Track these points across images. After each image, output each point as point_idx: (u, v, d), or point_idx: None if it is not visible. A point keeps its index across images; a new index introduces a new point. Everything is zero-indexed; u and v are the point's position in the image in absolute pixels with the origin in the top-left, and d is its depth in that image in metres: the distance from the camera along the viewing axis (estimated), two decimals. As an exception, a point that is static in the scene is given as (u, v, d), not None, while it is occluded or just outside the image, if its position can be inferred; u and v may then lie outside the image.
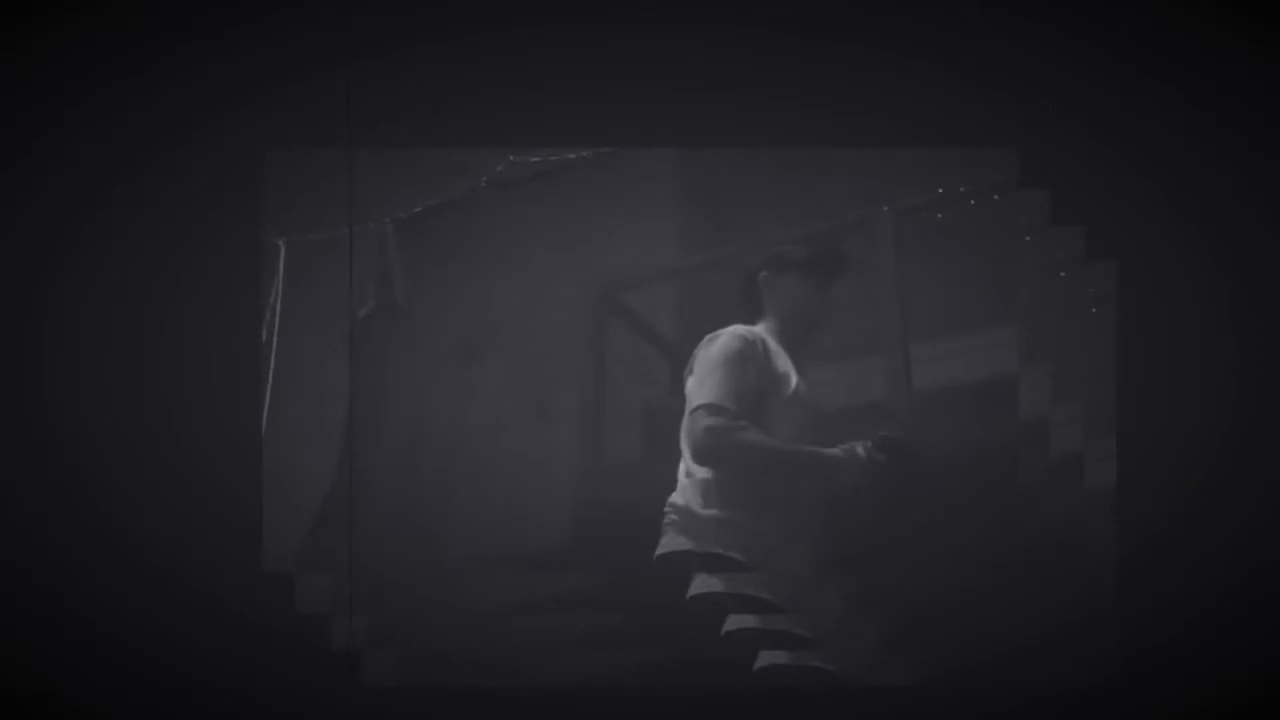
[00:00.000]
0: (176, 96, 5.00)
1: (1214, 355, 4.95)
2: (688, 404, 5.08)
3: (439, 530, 5.16)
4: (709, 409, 5.03)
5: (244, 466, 5.01)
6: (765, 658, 4.98)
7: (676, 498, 5.08)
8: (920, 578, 4.99)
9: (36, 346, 4.96)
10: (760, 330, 5.19)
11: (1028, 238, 5.03)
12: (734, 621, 4.99)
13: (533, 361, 5.24)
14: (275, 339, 5.15)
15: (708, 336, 5.15)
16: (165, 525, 4.97)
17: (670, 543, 5.05)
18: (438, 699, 5.00)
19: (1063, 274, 5.02)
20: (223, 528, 4.99)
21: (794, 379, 5.13)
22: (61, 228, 4.98)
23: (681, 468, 5.10)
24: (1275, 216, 4.96)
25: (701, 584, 5.02)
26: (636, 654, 5.01)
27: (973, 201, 5.10)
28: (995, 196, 5.07)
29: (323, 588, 5.03)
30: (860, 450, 5.05)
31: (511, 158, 5.16)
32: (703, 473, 5.05)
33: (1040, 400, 5.01)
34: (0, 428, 4.96)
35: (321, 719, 4.96)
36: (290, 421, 5.10)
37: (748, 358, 5.10)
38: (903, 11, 5.00)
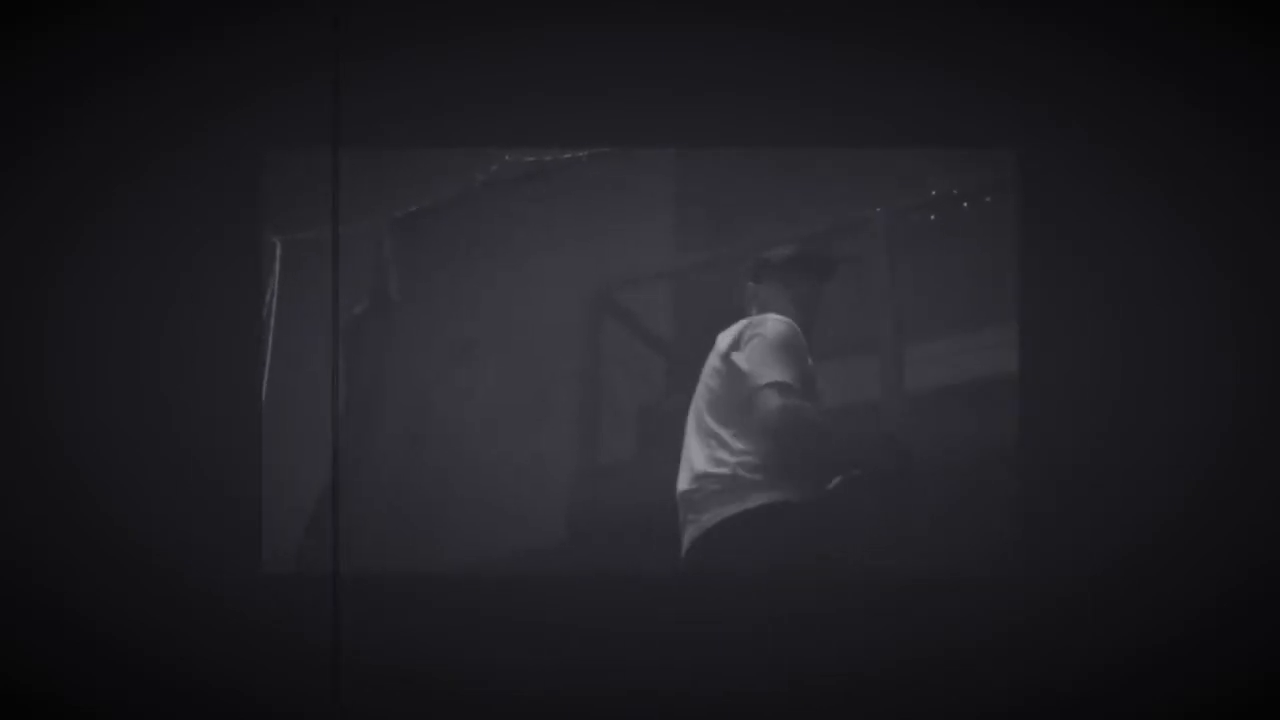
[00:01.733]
0: (176, 97, 5.00)
1: (1214, 355, 4.96)
2: (749, 379, 5.04)
3: (435, 527, 5.16)
4: (780, 388, 5.00)
5: (243, 466, 5.01)
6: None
7: (712, 469, 5.06)
8: (919, 572, 5.02)
9: (36, 346, 4.96)
10: None
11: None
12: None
13: (529, 361, 5.25)
14: (271, 338, 5.15)
15: (754, 318, 5.13)
16: (165, 526, 4.97)
17: (720, 511, 5.04)
18: (437, 698, 5.01)
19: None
20: (223, 528, 4.99)
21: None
22: (61, 228, 4.98)
23: (703, 453, 5.08)
24: (1275, 216, 4.97)
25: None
26: (634, 652, 5.02)
27: (965, 204, 5.11)
28: (987, 199, 5.08)
29: (320, 586, 5.03)
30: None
31: (507, 157, 5.17)
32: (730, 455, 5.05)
33: (1039, 400, 5.03)
34: (0, 428, 4.96)
35: (321, 719, 4.96)
36: (289, 420, 5.10)
37: (799, 345, 5.10)
38: (903, 11, 5.01)
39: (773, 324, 5.12)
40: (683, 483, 5.10)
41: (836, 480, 5.05)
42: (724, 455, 5.06)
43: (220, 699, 4.96)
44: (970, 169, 5.11)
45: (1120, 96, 4.99)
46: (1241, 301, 4.97)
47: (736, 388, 5.05)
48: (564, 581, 5.04)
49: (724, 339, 5.14)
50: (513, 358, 5.26)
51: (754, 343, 5.08)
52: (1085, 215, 5.00)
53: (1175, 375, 4.97)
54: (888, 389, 5.22)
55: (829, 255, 5.23)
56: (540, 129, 5.07)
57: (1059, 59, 4.99)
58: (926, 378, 5.18)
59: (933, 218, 5.16)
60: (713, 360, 5.15)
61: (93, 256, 4.98)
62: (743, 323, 5.13)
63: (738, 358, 5.08)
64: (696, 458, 5.10)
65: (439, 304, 5.29)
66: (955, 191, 5.13)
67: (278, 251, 5.17)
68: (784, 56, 5.03)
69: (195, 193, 5.01)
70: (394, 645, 5.00)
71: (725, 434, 5.07)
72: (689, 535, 5.06)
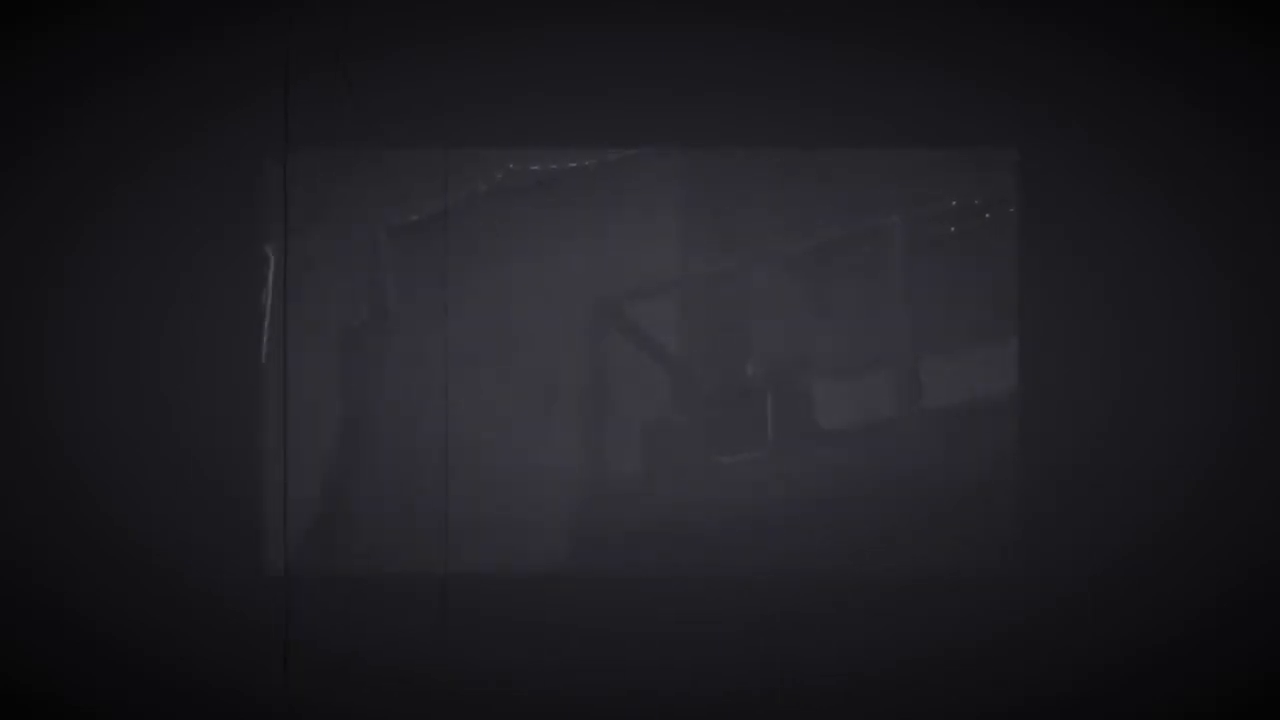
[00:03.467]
0: (176, 97, 5.01)
1: (1214, 355, 4.95)
2: None
3: (435, 541, 5.15)
4: None
5: (244, 467, 5.01)
6: None
7: None
8: (919, 572, 5.01)
9: (36, 346, 4.97)
10: None
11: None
12: None
13: (531, 372, 5.23)
14: (270, 338, 5.14)
15: None
16: (165, 525, 4.97)
17: None
18: (436, 698, 5.00)
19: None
20: (223, 528, 4.99)
21: None
22: (61, 228, 4.98)
23: None
24: (1275, 216, 4.96)
25: None
26: (634, 652, 5.01)
27: (988, 215, 5.09)
28: (1011, 210, 5.07)
29: (320, 587, 5.03)
30: None
31: (511, 165, 5.16)
32: None
33: (1039, 400, 5.02)
34: (0, 428, 4.96)
35: (320, 719, 4.96)
36: (290, 422, 5.09)
37: None
38: (903, 11, 5.01)
39: None
40: None
41: None
42: None
43: (220, 699, 4.96)
44: (986, 171, 5.09)
45: (1120, 96, 4.99)
46: (1241, 301, 4.96)
47: None
48: (564, 581, 5.03)
49: None
50: (514, 369, 5.25)
51: None
52: (1085, 216, 5.00)
53: (1175, 376, 4.96)
54: (904, 403, 5.20)
55: None
56: (541, 130, 5.07)
57: (1059, 59, 4.99)
58: (936, 388, 5.16)
59: (952, 229, 5.14)
60: None
61: (93, 256, 4.99)
62: None
63: None
64: None
65: (440, 312, 5.28)
66: (977, 201, 5.12)
67: (283, 255, 5.16)
68: (786, 56, 5.04)
69: (195, 193, 5.02)
70: (393, 645, 5.00)
71: None
72: None
